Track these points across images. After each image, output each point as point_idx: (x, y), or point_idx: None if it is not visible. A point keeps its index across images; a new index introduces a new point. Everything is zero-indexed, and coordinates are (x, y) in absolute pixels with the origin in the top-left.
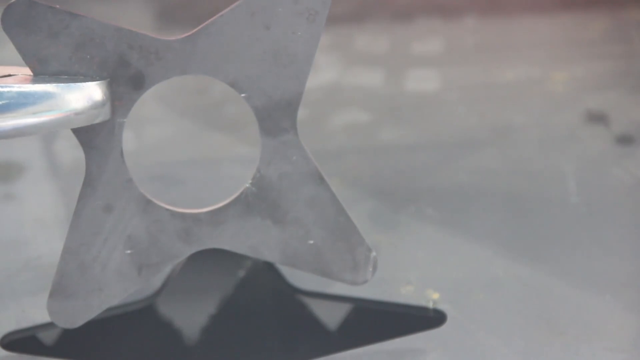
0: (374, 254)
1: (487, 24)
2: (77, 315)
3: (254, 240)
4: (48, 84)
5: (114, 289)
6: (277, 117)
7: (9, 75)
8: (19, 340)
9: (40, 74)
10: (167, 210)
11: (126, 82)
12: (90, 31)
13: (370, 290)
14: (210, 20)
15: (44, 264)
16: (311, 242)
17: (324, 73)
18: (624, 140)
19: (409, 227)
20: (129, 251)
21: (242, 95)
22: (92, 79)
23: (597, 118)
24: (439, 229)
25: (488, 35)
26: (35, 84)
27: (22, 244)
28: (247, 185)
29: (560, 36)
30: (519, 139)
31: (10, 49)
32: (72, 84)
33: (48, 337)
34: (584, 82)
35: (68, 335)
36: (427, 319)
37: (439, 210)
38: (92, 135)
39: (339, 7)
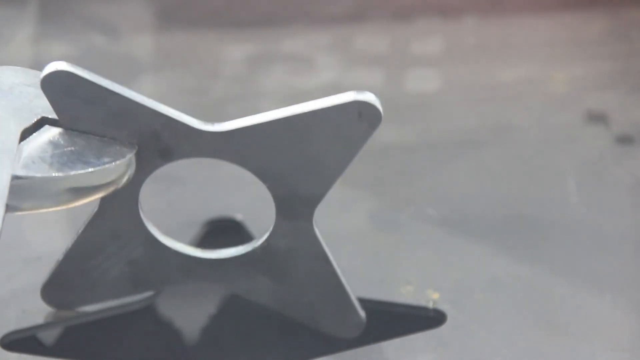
0: (363, 320)
1: (487, 24)
2: (70, 303)
3: (251, 288)
4: (76, 174)
5: (110, 293)
6: (296, 207)
7: (41, 121)
8: (19, 340)
9: (69, 129)
10: (172, 249)
11: (154, 152)
12: (126, 108)
13: (370, 290)
14: (248, 123)
15: (44, 264)
16: (305, 299)
17: (324, 73)
18: (624, 140)
19: (409, 227)
20: (127, 269)
21: (266, 184)
22: (120, 144)
23: (597, 118)
24: (439, 229)
25: (488, 35)
26: (62, 172)
27: (22, 244)
28: (254, 249)
29: (560, 36)
30: (519, 139)
31: (11, 49)
32: (101, 169)
33: (48, 337)
34: (584, 82)
35: (68, 335)
36: (427, 319)
37: (439, 210)
38: None
39: (339, 7)
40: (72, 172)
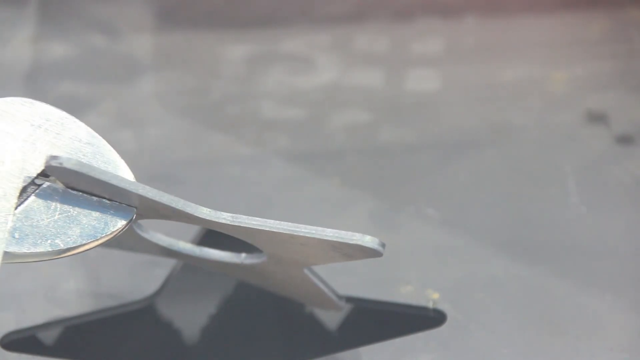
0: (342, 306)
1: (487, 24)
2: None
3: (234, 275)
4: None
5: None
6: (287, 261)
7: (43, 177)
8: (19, 340)
9: (70, 188)
10: (163, 247)
11: (153, 214)
12: (128, 195)
13: (370, 290)
14: (250, 224)
15: (44, 264)
16: (287, 291)
17: (324, 73)
18: (624, 140)
19: (409, 227)
20: (117, 244)
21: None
22: (119, 206)
23: (597, 118)
24: (439, 229)
25: (488, 35)
26: (56, 247)
27: None
28: (241, 262)
29: (560, 36)
30: (519, 139)
31: (11, 49)
32: (104, 236)
33: (48, 337)
34: (584, 82)
35: (68, 335)
36: (427, 319)
37: (439, 210)
38: None
39: (339, 7)
40: (66, 247)
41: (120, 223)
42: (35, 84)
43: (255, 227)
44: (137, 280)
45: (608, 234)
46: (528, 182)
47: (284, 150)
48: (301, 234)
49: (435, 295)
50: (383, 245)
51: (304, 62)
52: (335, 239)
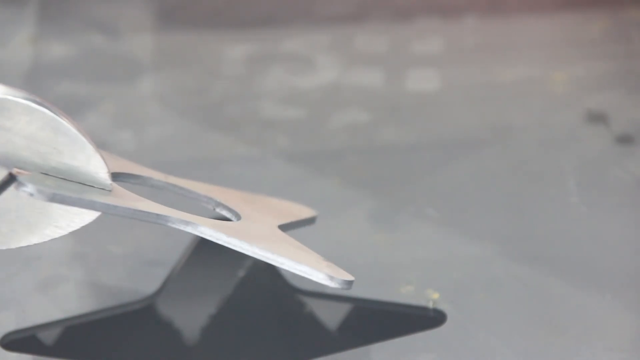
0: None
1: (487, 24)
2: None
3: None
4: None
5: None
6: None
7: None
8: (19, 340)
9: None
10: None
11: None
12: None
13: (370, 290)
14: (232, 244)
15: (44, 264)
16: None
17: (324, 73)
18: (624, 140)
19: (409, 227)
20: None
21: None
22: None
23: (597, 118)
24: (439, 229)
25: (488, 35)
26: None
27: None
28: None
29: (560, 36)
30: (519, 139)
31: (11, 49)
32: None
33: (48, 337)
34: (584, 82)
35: (68, 335)
36: (427, 319)
37: (439, 210)
38: None
39: (339, 7)
40: (38, 241)
41: (95, 214)
42: (35, 84)
43: (235, 247)
44: (137, 280)
45: (608, 234)
46: (528, 182)
47: (284, 150)
48: (276, 262)
49: (435, 295)
50: (349, 283)
51: (304, 62)
52: (304, 272)
